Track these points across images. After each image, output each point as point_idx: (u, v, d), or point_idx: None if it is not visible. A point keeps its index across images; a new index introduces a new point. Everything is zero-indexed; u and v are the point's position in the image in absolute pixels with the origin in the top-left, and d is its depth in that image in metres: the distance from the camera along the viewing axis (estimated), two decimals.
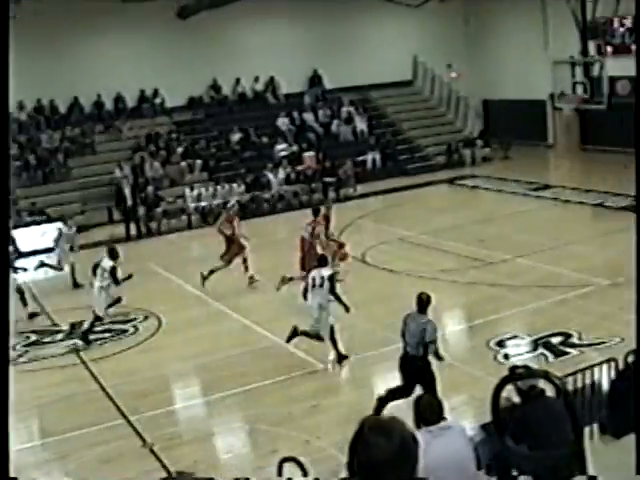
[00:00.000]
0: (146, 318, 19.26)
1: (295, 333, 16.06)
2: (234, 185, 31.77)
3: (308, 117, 37.77)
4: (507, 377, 5.86)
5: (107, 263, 17.99)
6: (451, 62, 41.61)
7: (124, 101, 35.72)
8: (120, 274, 18.01)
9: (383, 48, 39.57)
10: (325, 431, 12.68)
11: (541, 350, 15.69)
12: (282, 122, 36.70)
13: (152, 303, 20.05)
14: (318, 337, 15.97)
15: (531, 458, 8.06)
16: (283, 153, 34.71)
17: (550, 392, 8.08)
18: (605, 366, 11.75)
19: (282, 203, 32.11)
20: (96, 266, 18.21)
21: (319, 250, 20.16)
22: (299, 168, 33.94)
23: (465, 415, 12.69)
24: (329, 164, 34.07)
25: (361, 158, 35.78)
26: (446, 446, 7.23)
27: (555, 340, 16.04)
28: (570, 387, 10.88)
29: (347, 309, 16.00)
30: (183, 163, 33.26)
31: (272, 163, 33.40)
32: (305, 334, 16.03)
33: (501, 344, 16.12)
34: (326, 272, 16.20)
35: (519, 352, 15.75)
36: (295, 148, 35.39)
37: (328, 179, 33.16)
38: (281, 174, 33.00)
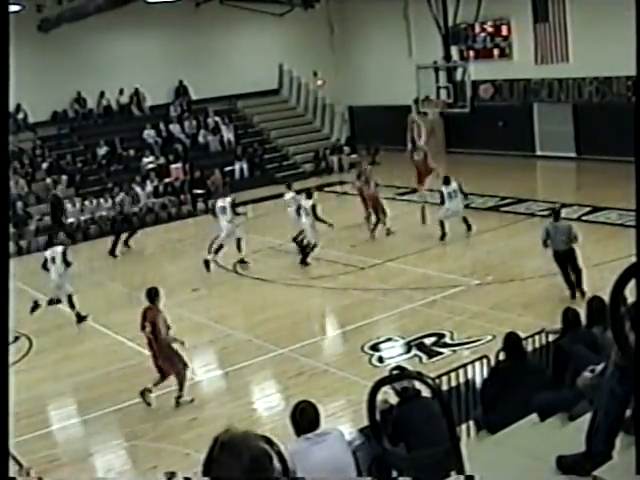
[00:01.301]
0: (16, 339, 18.78)
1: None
2: (101, 200, 31.26)
3: (174, 128, 37.53)
4: (381, 380, 5.91)
5: (307, 203, 22.69)
6: (317, 70, 41.84)
7: None
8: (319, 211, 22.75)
9: (248, 57, 39.51)
10: (205, 443, 12.54)
11: (415, 352, 15.91)
12: (148, 134, 36.38)
13: (22, 324, 19.56)
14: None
15: (408, 459, 8.17)
16: (150, 166, 34.35)
17: (426, 392, 8.20)
18: (478, 364, 11.98)
19: (151, 216, 31.75)
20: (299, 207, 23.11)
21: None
22: (167, 180, 33.67)
23: (343, 420, 12.77)
24: (198, 175, 33.86)
25: (229, 168, 35.68)
26: (325, 452, 7.26)
27: (428, 341, 16.29)
28: (445, 386, 11.06)
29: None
30: (48, 179, 32.61)
31: (139, 176, 33.01)
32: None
33: (375, 348, 16.28)
34: (454, 185, 24.04)
35: (393, 355, 15.94)
36: (162, 160, 35.09)
37: (197, 190, 32.97)
38: (149, 187, 32.67)
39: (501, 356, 10.30)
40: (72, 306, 19.90)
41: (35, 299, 20.15)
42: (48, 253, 20.50)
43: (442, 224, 23.92)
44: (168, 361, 14.44)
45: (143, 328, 14.48)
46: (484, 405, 9.75)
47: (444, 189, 23.98)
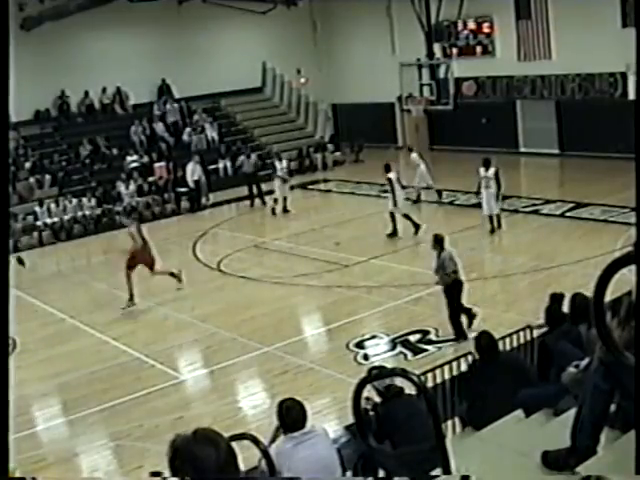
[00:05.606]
0: None
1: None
2: (84, 199, 31.12)
3: (158, 127, 37.42)
4: (366, 378, 5.91)
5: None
6: (300, 68, 41.79)
7: None
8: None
9: (232, 56, 39.47)
10: None
11: (400, 349, 15.92)
12: (135, 131, 36.24)
13: None
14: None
15: (394, 456, 8.17)
16: (134, 164, 34.24)
17: (411, 390, 8.21)
18: (463, 360, 12.00)
19: (134, 215, 31.58)
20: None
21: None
22: (151, 179, 33.57)
23: (328, 418, 12.77)
24: (181, 173, 33.74)
25: (212, 166, 35.60)
26: (310, 451, 7.25)
27: (413, 338, 16.30)
28: (430, 383, 11.08)
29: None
30: (31, 179, 32.47)
31: (123, 175, 32.89)
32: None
33: (360, 345, 16.28)
34: (491, 172, 23.36)
35: (378, 352, 15.95)
36: (146, 159, 34.99)
37: (180, 189, 32.87)
38: (132, 186, 32.55)
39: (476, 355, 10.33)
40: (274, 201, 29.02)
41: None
42: (279, 169, 29.52)
43: (490, 218, 23.68)
44: None
45: None
46: (468, 401, 9.77)
47: (482, 173, 23.77)
